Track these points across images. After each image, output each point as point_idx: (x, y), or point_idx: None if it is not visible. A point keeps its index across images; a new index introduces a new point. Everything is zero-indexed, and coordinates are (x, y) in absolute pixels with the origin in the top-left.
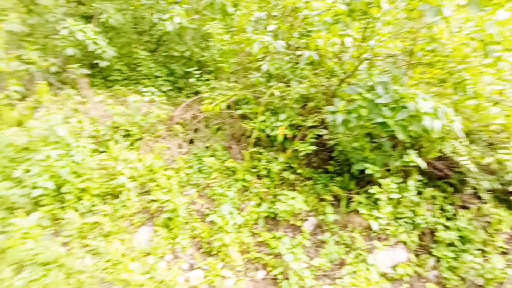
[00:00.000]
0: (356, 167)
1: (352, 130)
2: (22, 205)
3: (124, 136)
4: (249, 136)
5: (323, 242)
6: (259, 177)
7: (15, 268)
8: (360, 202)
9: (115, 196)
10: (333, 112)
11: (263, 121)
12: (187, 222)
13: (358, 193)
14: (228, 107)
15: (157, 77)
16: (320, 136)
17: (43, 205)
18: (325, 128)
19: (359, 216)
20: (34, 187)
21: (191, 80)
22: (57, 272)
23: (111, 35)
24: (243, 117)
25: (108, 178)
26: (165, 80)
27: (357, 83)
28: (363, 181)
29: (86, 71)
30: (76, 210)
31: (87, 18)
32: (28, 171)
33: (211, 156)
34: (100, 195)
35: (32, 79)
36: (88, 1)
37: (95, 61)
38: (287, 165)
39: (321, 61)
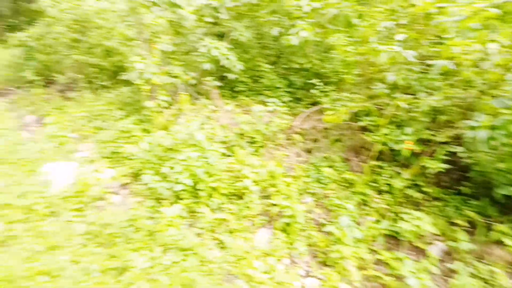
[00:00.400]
0: (500, 191)
1: (497, 149)
2: (167, 197)
3: (249, 142)
4: (369, 149)
5: (453, 271)
6: (379, 192)
7: (162, 249)
8: (504, 233)
9: (240, 197)
10: (474, 128)
11: (386, 134)
12: (304, 229)
13: (501, 222)
14: (348, 118)
15: (277, 88)
16: (452, 153)
17: (182, 199)
18: (459, 144)
19: (502, 249)
20: (176, 183)
21: (312, 91)
22: (193, 258)
23: (239, 50)
24: (363, 129)
25: (234, 180)
26: (285, 91)
27: (504, 95)
28: (508, 208)
29: (218, 83)
30: (208, 206)
31: (220, 36)
32: (172, 168)
33: (329, 166)
34: (227, 195)
35: (176, 90)
36: (222, 21)
37: (225, 74)
38: (412, 182)
39: (456, 71)
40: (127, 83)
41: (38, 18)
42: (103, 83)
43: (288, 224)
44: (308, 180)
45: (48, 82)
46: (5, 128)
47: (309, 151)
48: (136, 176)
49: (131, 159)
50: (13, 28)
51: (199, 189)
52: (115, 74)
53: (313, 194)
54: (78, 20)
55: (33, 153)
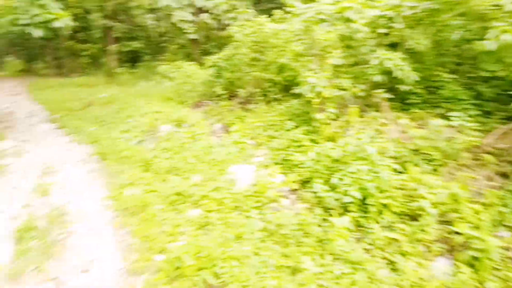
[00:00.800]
0: None
1: None
2: (334, 207)
3: (425, 160)
4: None
5: None
6: None
7: (331, 258)
8: None
9: (414, 218)
10: None
11: None
12: (499, 269)
13: None
14: None
15: (460, 100)
16: None
17: (350, 211)
18: None
19: None
20: (345, 194)
21: None
22: (362, 273)
23: (413, 59)
24: None
25: (408, 199)
26: (470, 103)
27: None
28: None
29: (388, 95)
30: (378, 223)
31: (392, 46)
32: (341, 179)
33: None
34: (399, 214)
35: (344, 102)
36: (395, 31)
37: (396, 86)
38: None
39: None
40: (297, 96)
41: (225, 42)
42: (275, 96)
43: (476, 258)
44: (504, 210)
45: (232, 96)
46: (202, 133)
47: (505, 175)
48: (304, 183)
49: (300, 167)
50: (205, 53)
51: (368, 204)
52: (285, 88)
53: (511, 227)
54: (257, 42)
55: (222, 155)
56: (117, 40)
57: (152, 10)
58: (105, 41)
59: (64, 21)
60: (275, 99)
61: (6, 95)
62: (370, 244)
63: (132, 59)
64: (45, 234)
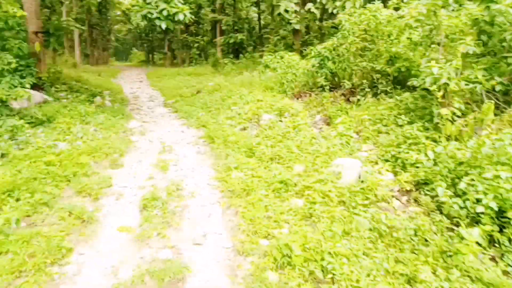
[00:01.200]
0: None
1: None
2: (460, 216)
3: None
4: None
5: None
6: None
7: (458, 274)
8: None
9: None
10: None
11: None
12: None
13: None
14: None
15: None
16: None
17: (481, 223)
18: None
19: None
20: (475, 203)
21: None
22: None
23: None
24: None
25: None
26: None
27: None
28: None
29: None
30: None
31: None
32: (472, 185)
33: None
34: None
35: (473, 97)
36: None
37: None
38: None
39: None
40: (411, 88)
41: (327, 32)
42: (384, 89)
43: None
44: None
45: (334, 87)
46: (303, 124)
47: None
48: (419, 184)
49: (415, 167)
50: (305, 43)
51: (507, 218)
52: (396, 80)
53: None
54: (367, 30)
55: (325, 147)
56: (223, 32)
57: (256, 3)
58: (213, 34)
59: (185, 13)
60: (384, 92)
61: (133, 82)
62: (509, 265)
63: (236, 50)
64: (165, 205)
